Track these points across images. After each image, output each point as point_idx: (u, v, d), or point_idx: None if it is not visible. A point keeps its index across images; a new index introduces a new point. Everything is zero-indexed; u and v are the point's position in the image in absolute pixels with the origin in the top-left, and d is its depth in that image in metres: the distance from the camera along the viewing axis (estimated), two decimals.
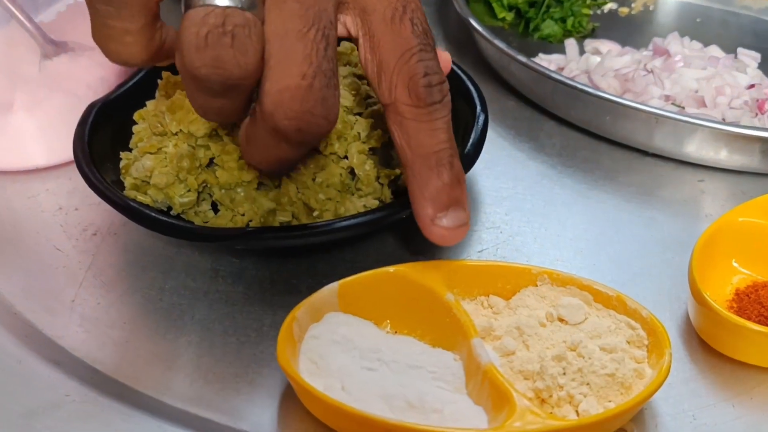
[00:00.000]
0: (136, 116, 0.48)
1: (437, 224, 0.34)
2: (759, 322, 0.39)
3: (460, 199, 0.34)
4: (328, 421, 0.35)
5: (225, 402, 0.37)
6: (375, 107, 0.47)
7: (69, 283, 0.43)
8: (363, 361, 0.36)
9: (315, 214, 0.43)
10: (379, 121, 0.46)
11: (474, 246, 0.46)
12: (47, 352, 0.38)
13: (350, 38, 0.36)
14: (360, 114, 0.46)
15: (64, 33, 0.56)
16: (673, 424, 0.36)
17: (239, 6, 0.31)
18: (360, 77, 0.49)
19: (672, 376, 0.38)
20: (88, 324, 0.41)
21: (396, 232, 0.47)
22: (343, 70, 0.48)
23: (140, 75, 0.51)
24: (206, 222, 0.44)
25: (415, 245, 0.46)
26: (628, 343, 0.36)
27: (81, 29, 0.56)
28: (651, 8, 0.72)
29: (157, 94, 0.49)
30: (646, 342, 0.37)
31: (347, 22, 0.35)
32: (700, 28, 0.69)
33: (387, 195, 0.45)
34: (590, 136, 0.54)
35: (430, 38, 0.34)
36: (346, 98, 0.46)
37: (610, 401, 0.34)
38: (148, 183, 0.44)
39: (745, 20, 0.71)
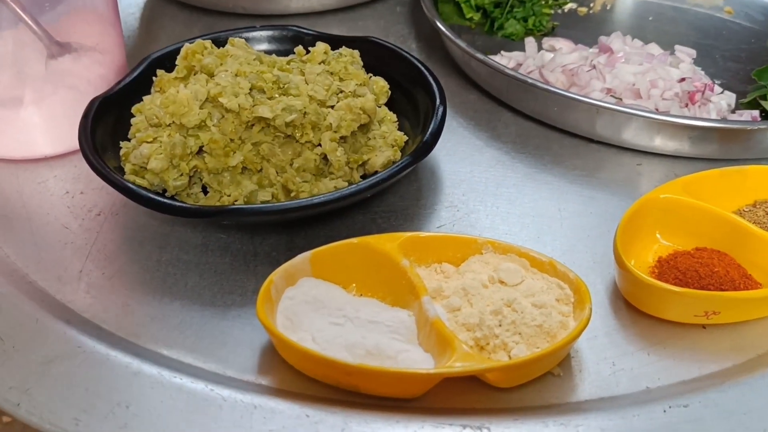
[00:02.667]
0: (134, 110, 0.54)
1: None
2: (675, 284, 0.45)
3: None
4: (300, 367, 0.41)
5: (214, 353, 0.43)
6: (345, 100, 0.53)
7: (76, 256, 0.49)
8: (330, 317, 0.42)
9: (292, 194, 0.49)
10: (348, 112, 0.52)
11: (433, 222, 0.52)
12: (60, 313, 0.44)
13: None
14: (332, 107, 0.53)
15: (68, 35, 0.61)
16: (595, 368, 0.42)
17: None
18: (332, 74, 0.55)
19: (597, 330, 0.45)
20: (93, 291, 0.47)
21: (364, 212, 0.53)
22: (317, 68, 0.54)
23: (137, 73, 0.57)
24: (197, 202, 0.50)
25: (380, 222, 0.52)
26: (557, 300, 0.43)
27: (83, 31, 0.62)
28: (608, 7, 0.78)
29: (152, 90, 0.55)
30: (572, 299, 0.43)
31: None
32: (652, 26, 0.75)
33: (356, 177, 0.51)
34: (542, 125, 0.60)
35: None
36: (319, 92, 0.52)
37: (537, 347, 0.40)
38: (146, 168, 0.50)
39: (694, 17, 0.77)
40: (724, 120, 0.58)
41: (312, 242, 0.50)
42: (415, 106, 0.56)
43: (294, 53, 0.57)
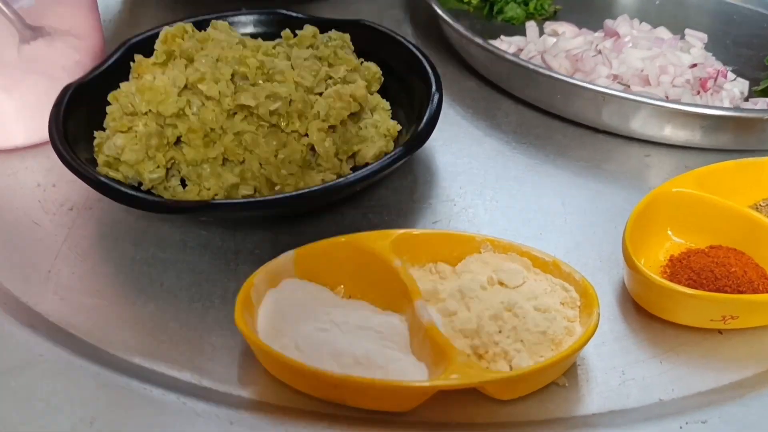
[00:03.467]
0: (110, 97, 0.50)
1: None
2: (688, 286, 0.42)
3: None
4: (283, 378, 0.37)
5: (190, 361, 0.39)
6: (335, 87, 0.49)
7: (46, 254, 0.46)
8: (316, 322, 0.39)
9: (277, 188, 0.46)
10: (337, 100, 0.48)
11: (428, 218, 0.49)
12: (24, 317, 0.41)
13: None
14: (320, 94, 0.49)
15: (42, 17, 0.58)
16: (603, 377, 0.39)
17: None
18: (320, 59, 0.51)
19: (605, 335, 0.41)
20: (62, 292, 0.43)
21: (354, 207, 0.49)
22: (304, 53, 0.50)
23: (114, 58, 0.53)
24: (174, 196, 0.46)
25: (372, 218, 0.48)
26: (562, 303, 0.39)
27: (57, 14, 0.58)
28: None
29: (130, 77, 0.51)
30: (578, 303, 0.39)
31: None
32: (658, 10, 0.71)
33: (345, 170, 0.48)
34: (544, 114, 0.57)
35: None
36: (307, 78, 0.48)
37: (541, 356, 0.37)
38: (120, 160, 0.46)
39: (703, 1, 0.73)
40: (738, 108, 0.54)
41: (298, 239, 0.46)
42: (410, 93, 0.53)
43: (281, 37, 0.53)
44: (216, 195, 0.46)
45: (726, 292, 0.41)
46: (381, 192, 0.50)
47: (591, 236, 0.47)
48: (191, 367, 0.39)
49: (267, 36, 0.55)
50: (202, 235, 0.47)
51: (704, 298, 0.40)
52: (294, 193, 0.43)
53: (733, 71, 0.62)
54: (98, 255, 0.46)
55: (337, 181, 0.43)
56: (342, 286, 0.42)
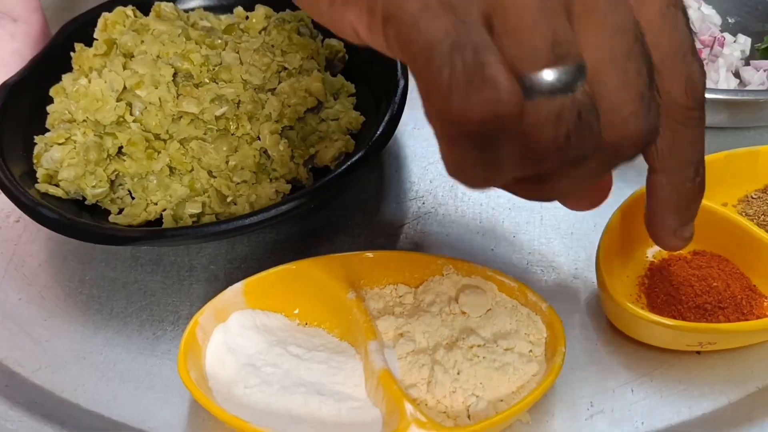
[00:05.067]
0: (52, 92, 0.47)
1: (678, 236, 0.33)
2: (666, 302, 0.39)
3: (696, 213, 0.33)
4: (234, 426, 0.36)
5: (138, 401, 0.38)
6: (288, 81, 0.45)
7: None
8: (267, 357, 0.37)
9: (228, 200, 0.43)
10: (292, 96, 0.45)
11: (396, 219, 0.46)
12: None
13: None
14: (273, 90, 0.45)
15: None
16: (570, 410, 0.37)
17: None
18: (273, 46, 0.47)
19: (575, 359, 0.39)
20: (8, 322, 0.41)
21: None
22: (254, 42, 0.46)
23: (53, 48, 0.49)
24: (121, 210, 0.43)
25: (335, 221, 0.46)
26: (526, 334, 0.37)
27: None
28: None
29: (73, 67, 0.48)
30: (544, 335, 0.37)
31: None
32: None
33: (303, 174, 0.45)
34: None
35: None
36: (256, 76, 0.45)
37: (501, 400, 0.35)
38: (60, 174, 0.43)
39: None
40: (733, 90, 0.49)
41: (255, 249, 0.44)
42: (376, 70, 0.48)
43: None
44: (164, 210, 0.43)
45: (706, 309, 0.39)
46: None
47: (567, 237, 0.44)
48: (140, 409, 0.37)
49: (221, 8, 0.51)
50: (153, 250, 0.44)
51: (680, 328, 0.37)
52: (239, 219, 0.39)
53: (735, 24, 0.56)
54: (46, 275, 0.44)
55: (287, 203, 0.39)
56: (297, 310, 0.40)
